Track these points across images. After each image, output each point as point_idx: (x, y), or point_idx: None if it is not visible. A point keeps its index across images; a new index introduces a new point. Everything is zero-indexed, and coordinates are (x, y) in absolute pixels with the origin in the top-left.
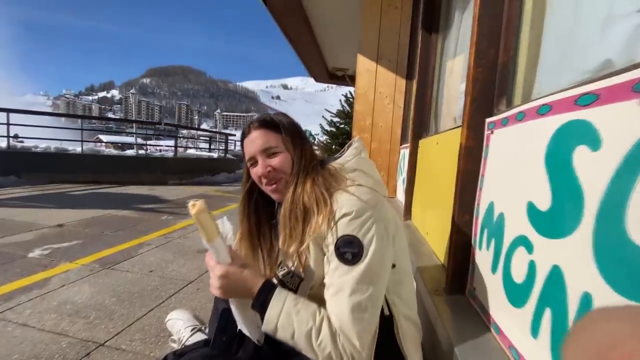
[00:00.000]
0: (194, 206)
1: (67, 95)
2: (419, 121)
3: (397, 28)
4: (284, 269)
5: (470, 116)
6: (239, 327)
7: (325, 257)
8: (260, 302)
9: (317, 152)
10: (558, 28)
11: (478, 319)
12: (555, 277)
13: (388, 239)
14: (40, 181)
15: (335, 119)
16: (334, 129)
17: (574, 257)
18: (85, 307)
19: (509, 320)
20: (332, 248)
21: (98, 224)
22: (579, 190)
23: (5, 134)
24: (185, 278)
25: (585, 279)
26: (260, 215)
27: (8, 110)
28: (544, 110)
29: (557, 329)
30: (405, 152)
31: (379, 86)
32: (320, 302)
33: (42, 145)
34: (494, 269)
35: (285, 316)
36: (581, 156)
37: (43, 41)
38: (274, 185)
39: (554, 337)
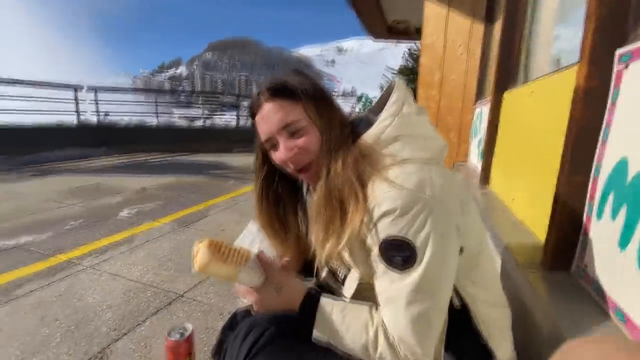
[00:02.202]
0: (196, 261)
1: (143, 74)
2: (505, 70)
3: None
4: (324, 270)
5: (593, 47)
6: None
7: (371, 257)
8: (305, 321)
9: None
10: None
11: (591, 302)
12: None
13: (449, 231)
14: (124, 151)
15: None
16: None
17: None
18: (167, 260)
19: None
20: (376, 250)
21: (175, 188)
22: None
23: (95, 111)
24: None
25: None
26: (284, 204)
27: (96, 89)
28: None
29: None
30: (482, 110)
31: (450, 33)
32: (372, 297)
33: (125, 119)
34: (623, 244)
35: (334, 333)
36: None
37: (113, 26)
38: (307, 173)
39: None
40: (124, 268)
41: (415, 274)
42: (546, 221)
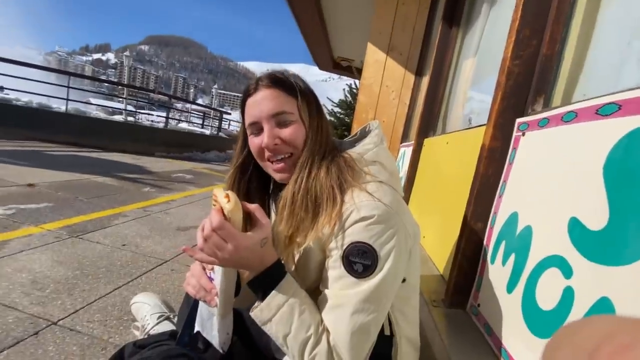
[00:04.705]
0: (229, 200)
1: (59, 52)
2: (427, 119)
3: (413, 19)
4: None
5: (499, 114)
6: (197, 328)
7: (327, 261)
8: (266, 281)
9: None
10: (617, 19)
11: (481, 339)
12: (604, 310)
13: (406, 253)
14: (17, 136)
15: (337, 109)
16: (334, 119)
17: (634, 291)
18: (44, 277)
19: (526, 349)
20: (338, 254)
21: (72, 188)
22: None
23: None
24: (159, 256)
25: None
26: (252, 195)
27: None
28: (609, 111)
29: None
30: (406, 151)
31: (386, 79)
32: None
33: (25, 98)
34: (510, 288)
35: (288, 310)
36: None
37: None
38: (280, 164)
39: None
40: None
41: (370, 283)
42: (451, 260)
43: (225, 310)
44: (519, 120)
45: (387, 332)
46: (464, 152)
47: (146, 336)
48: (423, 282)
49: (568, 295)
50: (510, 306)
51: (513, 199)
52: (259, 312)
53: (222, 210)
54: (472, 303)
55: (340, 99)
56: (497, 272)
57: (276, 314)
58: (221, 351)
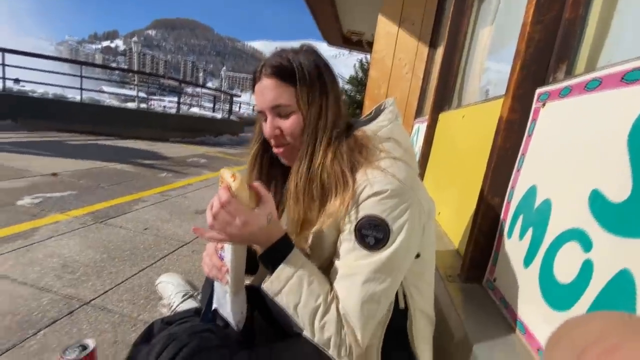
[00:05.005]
0: (234, 178)
1: (69, 42)
2: (442, 92)
3: None
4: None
5: (518, 84)
6: (214, 306)
7: (340, 235)
8: (275, 256)
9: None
10: None
11: (497, 313)
12: (623, 282)
13: (419, 228)
14: (36, 127)
15: (347, 86)
16: (345, 97)
17: None
18: (73, 261)
19: (543, 322)
20: (350, 227)
21: (94, 176)
22: None
23: (1, 75)
24: (180, 239)
25: None
26: (271, 177)
27: (3, 50)
28: (636, 77)
29: None
30: (420, 126)
31: (398, 52)
32: None
33: (40, 90)
34: (527, 262)
35: (297, 281)
36: None
37: None
38: (280, 149)
39: None
40: (15, 269)
41: (381, 255)
42: (467, 236)
43: (237, 288)
44: (539, 90)
45: (401, 306)
46: (481, 126)
47: (172, 313)
48: (439, 257)
49: (587, 268)
50: (527, 280)
51: (532, 172)
52: (269, 284)
53: (229, 188)
54: (488, 277)
55: (350, 75)
56: (514, 247)
57: (285, 285)
58: (236, 329)
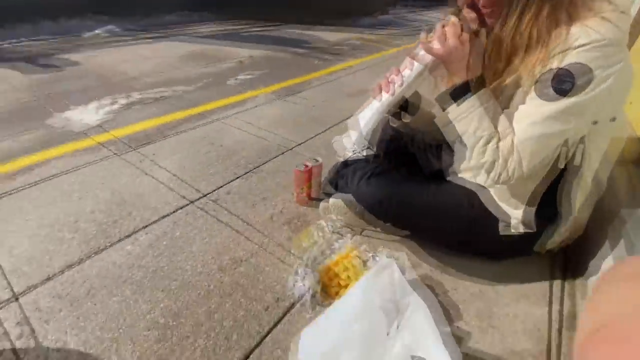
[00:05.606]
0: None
1: None
2: None
3: None
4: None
5: None
6: (361, 122)
7: (533, 87)
8: (459, 92)
9: None
10: None
11: None
12: None
13: (624, 89)
14: (219, 17)
15: None
16: None
17: None
18: (275, 122)
19: None
20: (549, 75)
21: (269, 61)
22: None
23: None
24: (345, 115)
25: None
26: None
27: None
28: None
29: None
30: None
31: None
32: None
33: None
34: None
35: (475, 111)
36: None
37: None
38: (487, 10)
39: None
40: (242, 125)
41: (571, 100)
42: None
43: (388, 106)
44: None
45: (576, 163)
46: None
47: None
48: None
49: None
50: None
51: None
52: (454, 112)
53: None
54: None
55: None
56: None
57: (466, 111)
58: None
